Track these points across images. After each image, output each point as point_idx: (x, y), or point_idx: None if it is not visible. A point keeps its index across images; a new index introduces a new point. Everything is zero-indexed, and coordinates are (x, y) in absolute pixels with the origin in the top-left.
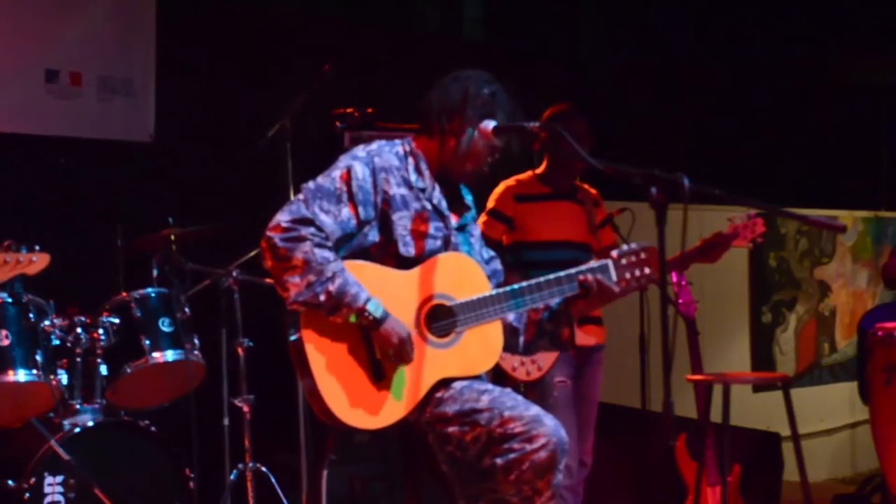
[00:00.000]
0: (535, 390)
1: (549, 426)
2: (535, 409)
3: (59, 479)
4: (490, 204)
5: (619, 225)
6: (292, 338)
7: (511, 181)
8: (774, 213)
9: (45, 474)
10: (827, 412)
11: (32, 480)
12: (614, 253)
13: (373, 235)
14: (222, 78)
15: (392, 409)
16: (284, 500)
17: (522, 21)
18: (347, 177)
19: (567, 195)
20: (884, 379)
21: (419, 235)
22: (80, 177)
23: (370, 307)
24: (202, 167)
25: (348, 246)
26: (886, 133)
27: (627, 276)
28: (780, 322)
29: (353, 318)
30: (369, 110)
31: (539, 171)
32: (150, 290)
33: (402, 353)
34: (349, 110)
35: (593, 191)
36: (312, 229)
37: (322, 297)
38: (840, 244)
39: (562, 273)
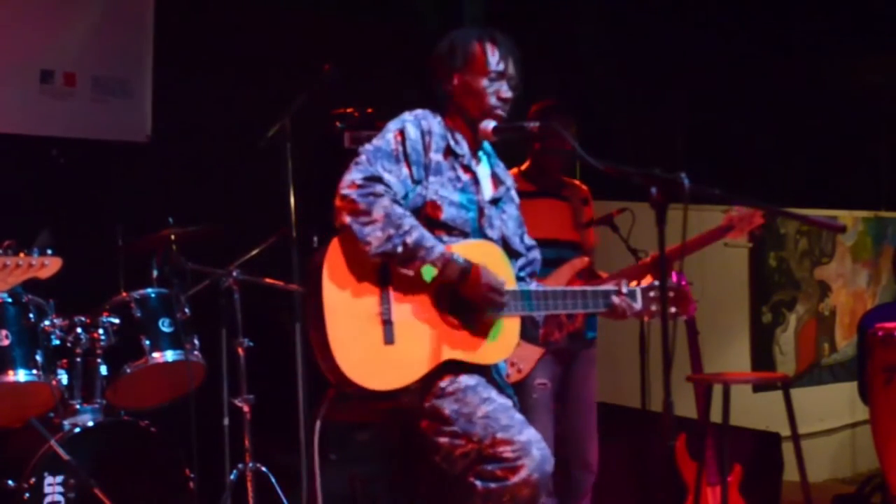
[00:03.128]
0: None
1: (536, 458)
2: (527, 434)
3: (59, 479)
4: None
5: (619, 225)
6: (312, 290)
7: None
8: (774, 212)
9: (45, 474)
10: (827, 412)
11: (32, 480)
12: (644, 285)
13: (421, 196)
14: (221, 78)
15: (397, 374)
16: (284, 500)
17: (522, 21)
18: (402, 137)
19: (552, 192)
20: (884, 379)
21: (451, 204)
22: (77, 177)
23: (449, 269)
24: (202, 167)
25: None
26: (886, 133)
27: (653, 308)
28: (780, 322)
29: (426, 272)
30: (369, 110)
31: (523, 168)
32: (150, 290)
33: (494, 299)
34: (349, 110)
35: (584, 187)
36: (383, 186)
37: (399, 249)
38: (840, 244)
39: (589, 288)
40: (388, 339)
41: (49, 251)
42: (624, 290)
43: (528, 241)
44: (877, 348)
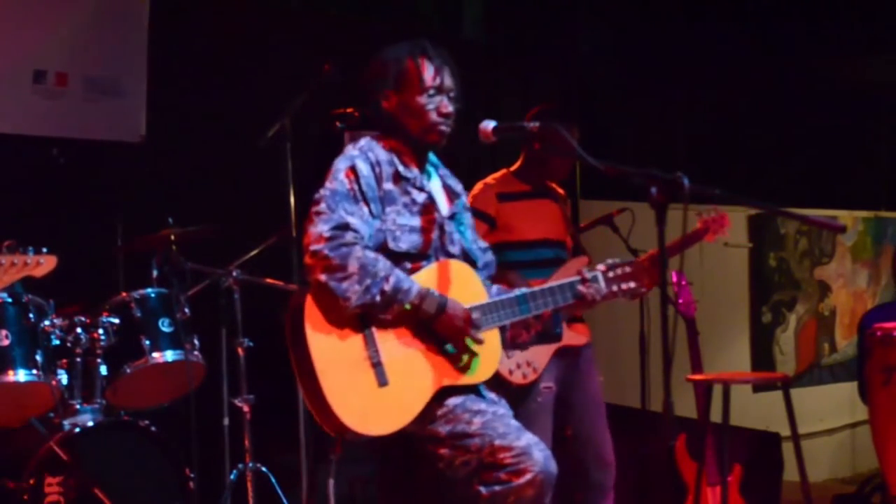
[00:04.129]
0: (520, 394)
1: (539, 460)
2: (526, 439)
3: (59, 479)
4: (469, 203)
5: (619, 225)
6: (296, 347)
7: (489, 180)
8: (774, 212)
9: (45, 474)
10: (827, 412)
11: (32, 480)
12: (602, 266)
13: (381, 232)
14: (222, 78)
15: (397, 415)
16: (284, 500)
17: (522, 21)
18: (353, 175)
19: (545, 193)
20: (883, 379)
21: (411, 230)
22: (77, 177)
23: (426, 303)
24: (202, 167)
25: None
26: (886, 133)
27: (615, 288)
28: (780, 322)
29: (407, 307)
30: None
31: (514, 168)
32: (150, 290)
33: (470, 333)
34: (349, 110)
35: (561, 190)
36: (352, 234)
37: (378, 298)
38: (840, 244)
39: (555, 284)
40: (382, 381)
41: (44, 249)
42: (587, 275)
43: (482, 243)
44: (876, 348)
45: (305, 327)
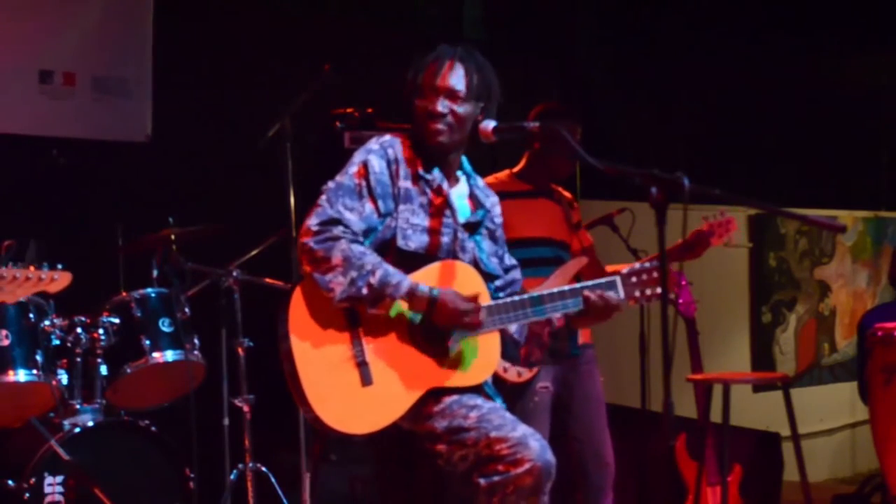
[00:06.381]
0: (516, 392)
1: (535, 449)
2: (521, 430)
3: (59, 479)
4: None
5: (619, 225)
6: (281, 342)
7: (490, 179)
8: (774, 212)
9: (45, 474)
10: (827, 412)
11: (32, 480)
12: (625, 270)
13: (390, 229)
14: (221, 78)
15: (380, 414)
16: (284, 500)
17: (522, 21)
18: (365, 171)
19: (546, 193)
20: (883, 379)
21: (423, 231)
22: (77, 177)
23: (418, 293)
24: (202, 167)
25: (371, 240)
26: (886, 133)
27: (637, 294)
28: (780, 322)
29: (394, 311)
30: (369, 110)
31: (516, 169)
32: (150, 290)
33: (468, 322)
34: (349, 110)
35: (568, 194)
36: (341, 228)
37: (364, 291)
38: (840, 244)
39: (566, 287)
40: (366, 380)
41: (59, 266)
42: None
43: (509, 261)
44: (876, 348)
45: (289, 320)
